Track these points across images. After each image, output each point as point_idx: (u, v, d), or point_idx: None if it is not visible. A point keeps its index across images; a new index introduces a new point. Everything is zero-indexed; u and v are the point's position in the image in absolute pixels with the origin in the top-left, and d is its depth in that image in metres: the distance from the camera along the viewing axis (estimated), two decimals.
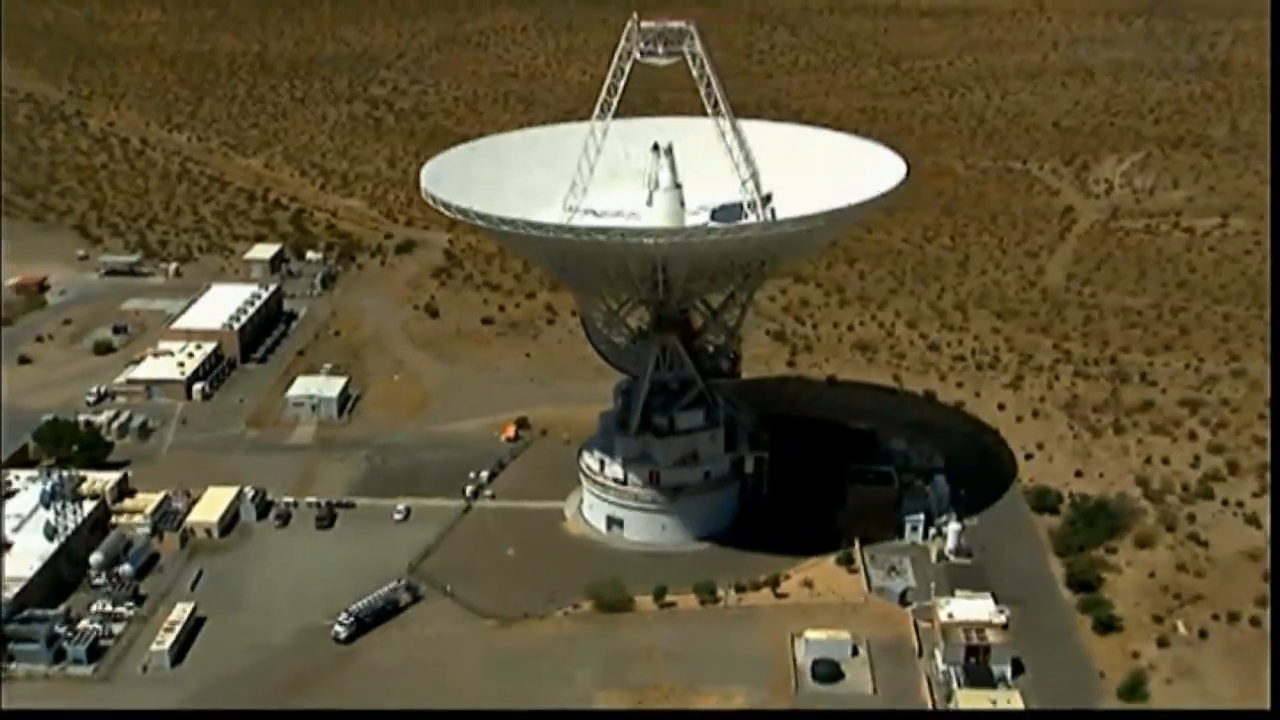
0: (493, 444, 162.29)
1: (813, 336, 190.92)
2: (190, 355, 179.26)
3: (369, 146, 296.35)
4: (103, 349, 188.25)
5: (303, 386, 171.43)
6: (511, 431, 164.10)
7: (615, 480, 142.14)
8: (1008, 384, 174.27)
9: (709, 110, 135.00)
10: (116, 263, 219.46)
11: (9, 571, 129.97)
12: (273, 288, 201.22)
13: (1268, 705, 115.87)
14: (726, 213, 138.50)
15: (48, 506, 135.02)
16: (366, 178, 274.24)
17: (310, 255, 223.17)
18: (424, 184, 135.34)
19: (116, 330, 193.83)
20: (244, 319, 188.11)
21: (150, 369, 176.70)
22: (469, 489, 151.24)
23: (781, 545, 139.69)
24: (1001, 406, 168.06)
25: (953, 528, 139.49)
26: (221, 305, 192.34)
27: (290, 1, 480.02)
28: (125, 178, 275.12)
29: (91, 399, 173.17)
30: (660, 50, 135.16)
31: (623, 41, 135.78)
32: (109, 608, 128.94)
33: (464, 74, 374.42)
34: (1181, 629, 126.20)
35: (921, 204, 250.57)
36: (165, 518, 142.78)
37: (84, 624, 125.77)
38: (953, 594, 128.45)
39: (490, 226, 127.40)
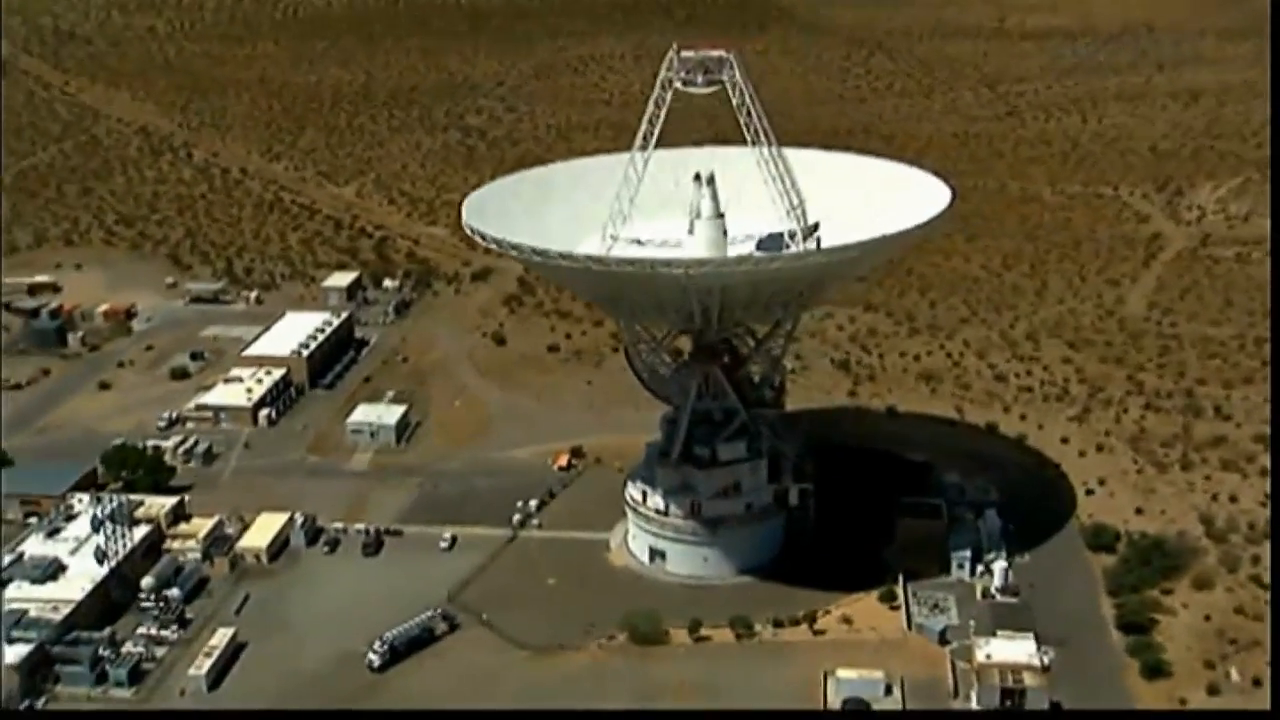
0: (546, 472, 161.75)
1: (877, 366, 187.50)
2: (259, 381, 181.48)
3: (458, 174, 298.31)
4: (179, 375, 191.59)
5: (362, 413, 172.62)
6: (564, 460, 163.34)
7: (657, 511, 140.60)
8: (1074, 417, 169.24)
9: (748, 139, 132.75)
10: (201, 290, 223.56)
11: (60, 594, 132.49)
12: (344, 315, 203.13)
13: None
14: (773, 242, 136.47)
15: (98, 530, 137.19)
16: (452, 205, 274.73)
17: (387, 283, 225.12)
18: (465, 213, 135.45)
19: (194, 356, 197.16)
20: (313, 346, 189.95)
21: (219, 395, 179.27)
22: (516, 518, 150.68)
23: (826, 579, 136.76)
24: (1065, 440, 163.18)
25: (999, 565, 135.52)
26: (293, 332, 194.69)
27: (398, 33, 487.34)
28: (221, 206, 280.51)
29: (162, 424, 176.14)
30: (700, 79, 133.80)
31: (663, 71, 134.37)
32: (154, 631, 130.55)
33: (559, 101, 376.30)
34: (1234, 675, 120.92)
35: (1004, 231, 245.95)
36: (216, 543, 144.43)
37: (128, 647, 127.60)
38: (994, 633, 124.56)
39: (523, 257, 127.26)
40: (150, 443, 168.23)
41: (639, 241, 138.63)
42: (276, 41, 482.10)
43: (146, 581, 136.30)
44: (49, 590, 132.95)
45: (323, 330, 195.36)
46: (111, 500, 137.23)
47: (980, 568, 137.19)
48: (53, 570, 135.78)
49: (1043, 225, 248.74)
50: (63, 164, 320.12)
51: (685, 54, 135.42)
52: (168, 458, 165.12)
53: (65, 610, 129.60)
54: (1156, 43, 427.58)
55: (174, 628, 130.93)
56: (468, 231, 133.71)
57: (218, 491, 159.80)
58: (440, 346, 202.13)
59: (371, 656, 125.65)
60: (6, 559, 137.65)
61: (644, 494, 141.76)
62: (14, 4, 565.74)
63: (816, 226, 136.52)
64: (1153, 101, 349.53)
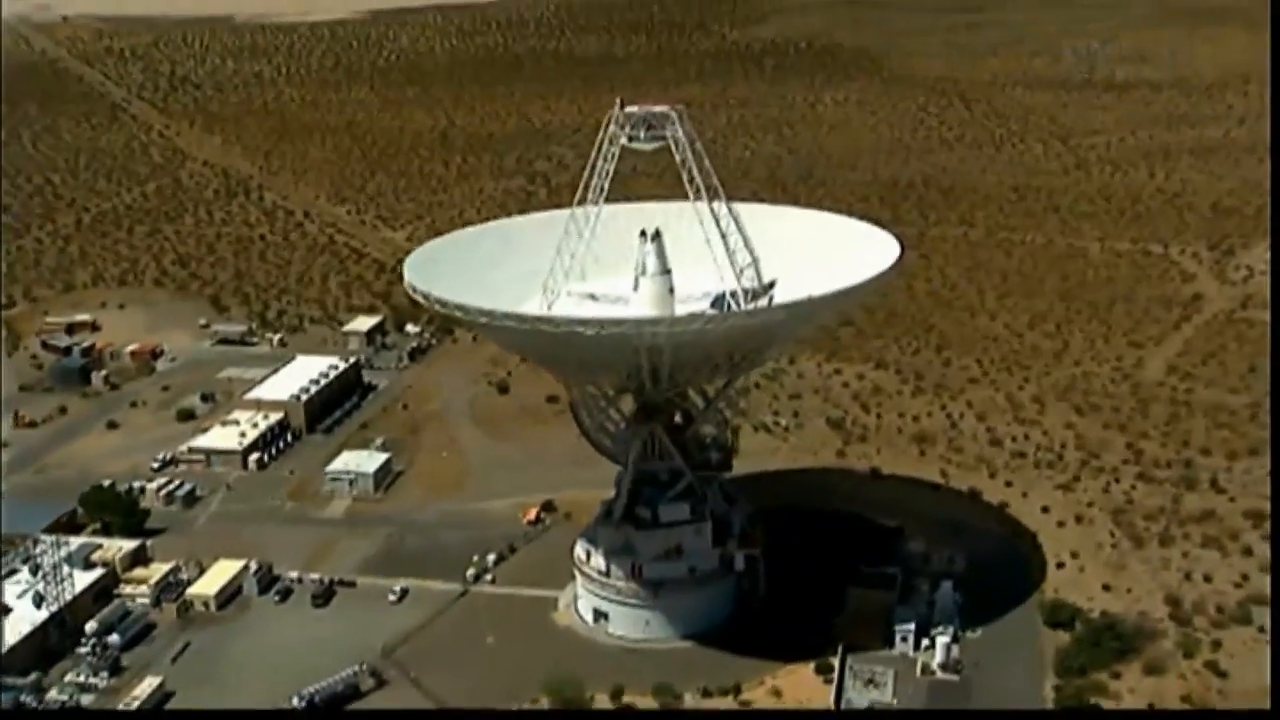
0: (514, 526, 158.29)
1: (872, 426, 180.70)
2: (254, 425, 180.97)
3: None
4: (185, 416, 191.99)
5: (342, 461, 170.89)
6: (533, 514, 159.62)
7: (599, 572, 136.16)
8: (1061, 485, 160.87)
9: (690, 196, 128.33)
10: (227, 332, 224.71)
11: None
12: (352, 360, 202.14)
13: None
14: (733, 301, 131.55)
15: (35, 574, 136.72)
16: None
17: (410, 328, 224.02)
18: (407, 270, 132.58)
19: (204, 398, 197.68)
20: (313, 391, 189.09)
21: (212, 438, 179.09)
22: (470, 572, 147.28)
23: (770, 648, 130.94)
24: (1045, 509, 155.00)
25: (941, 640, 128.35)
26: (299, 376, 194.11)
27: (489, 79, 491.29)
28: (275, 249, 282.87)
29: (156, 465, 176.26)
30: (643, 135, 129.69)
31: (610, 127, 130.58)
32: (84, 678, 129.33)
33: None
34: None
35: (1040, 288, 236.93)
36: (167, 589, 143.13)
37: (53, 694, 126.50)
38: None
39: (467, 318, 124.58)
40: (138, 484, 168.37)
41: (593, 296, 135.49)
42: (372, 87, 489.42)
43: (90, 626, 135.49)
44: None
45: (326, 375, 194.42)
46: (57, 544, 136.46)
47: (925, 642, 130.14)
48: None
49: (1082, 283, 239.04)
50: (141, 206, 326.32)
51: (629, 109, 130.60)
52: (150, 500, 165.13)
53: None
54: (1245, 95, 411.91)
55: (104, 675, 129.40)
56: (408, 291, 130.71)
57: (190, 536, 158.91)
58: (443, 394, 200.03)
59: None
60: None
61: (588, 553, 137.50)
62: (138, 50, 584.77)
63: (772, 285, 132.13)
64: (1226, 156, 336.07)
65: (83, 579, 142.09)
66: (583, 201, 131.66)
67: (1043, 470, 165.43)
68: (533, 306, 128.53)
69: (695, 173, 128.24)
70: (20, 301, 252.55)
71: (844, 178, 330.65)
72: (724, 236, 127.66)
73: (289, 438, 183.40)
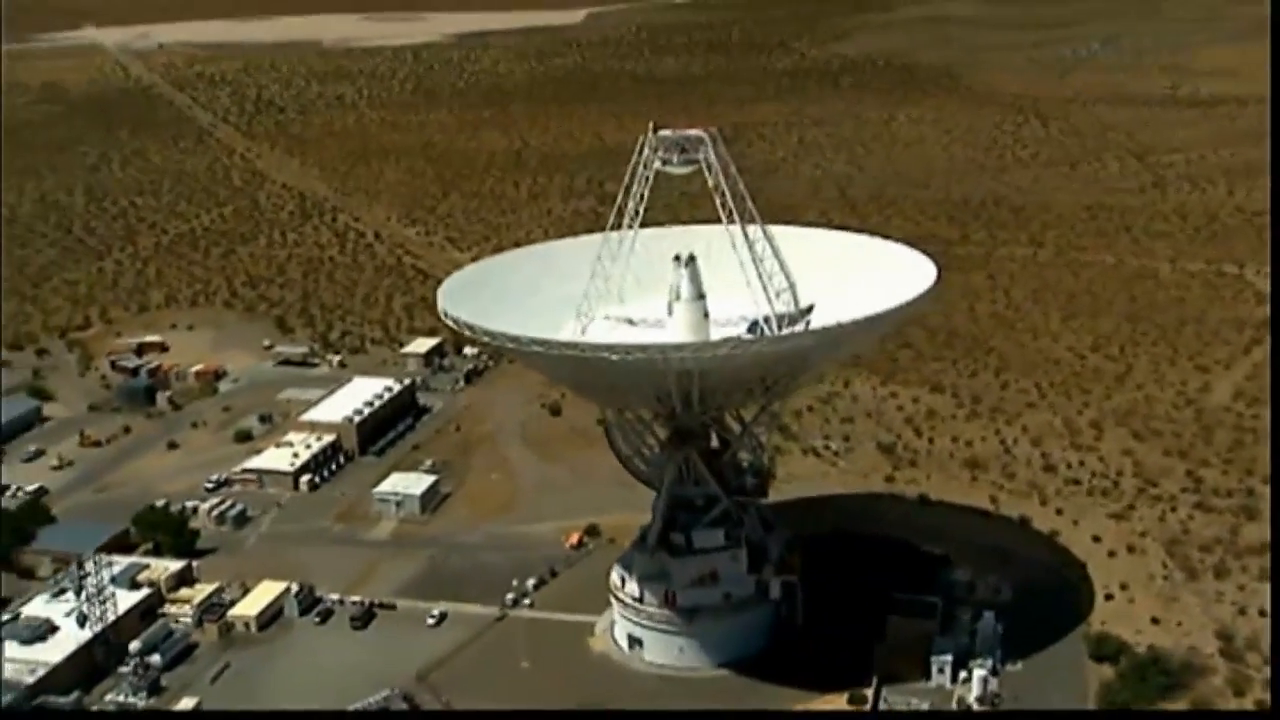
0: (557, 549, 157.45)
1: (924, 451, 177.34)
2: (307, 447, 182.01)
3: None
4: (242, 437, 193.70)
5: (390, 483, 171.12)
6: (575, 539, 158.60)
7: (633, 598, 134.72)
8: (1115, 513, 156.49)
9: (723, 220, 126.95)
10: (289, 353, 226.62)
11: (42, 656, 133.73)
12: (407, 382, 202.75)
13: None
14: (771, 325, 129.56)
15: (77, 595, 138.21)
16: None
17: (468, 350, 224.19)
18: (441, 295, 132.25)
19: (262, 419, 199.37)
20: (366, 413, 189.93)
21: (265, 459, 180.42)
22: (510, 596, 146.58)
23: (806, 677, 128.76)
24: (1097, 538, 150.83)
25: (978, 673, 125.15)
26: (353, 398, 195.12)
27: (564, 99, 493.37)
28: (344, 270, 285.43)
29: (210, 486, 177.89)
30: (675, 159, 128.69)
31: (644, 151, 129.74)
32: (123, 698, 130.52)
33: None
34: None
35: (1108, 310, 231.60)
36: (210, 609, 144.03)
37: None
38: None
39: (495, 344, 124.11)
40: (191, 504, 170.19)
41: (630, 321, 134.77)
42: (450, 109, 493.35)
43: (134, 646, 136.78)
44: (34, 652, 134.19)
45: (381, 397, 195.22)
46: (99, 565, 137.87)
47: (963, 674, 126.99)
48: (42, 632, 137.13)
49: (1151, 305, 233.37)
50: (218, 228, 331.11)
51: (663, 133, 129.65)
52: (202, 520, 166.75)
53: (41, 672, 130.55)
54: None
55: (143, 694, 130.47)
56: (442, 318, 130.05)
57: (239, 557, 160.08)
58: (496, 415, 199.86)
59: None
60: (5, 617, 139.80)
61: (622, 579, 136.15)
62: (228, 75, 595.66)
63: (809, 309, 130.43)
64: None
65: (128, 599, 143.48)
66: (617, 226, 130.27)
67: (1097, 498, 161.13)
68: (568, 331, 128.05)
69: (728, 196, 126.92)
70: (96, 323, 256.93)
71: (915, 196, 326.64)
72: (756, 261, 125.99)
73: (341, 459, 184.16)
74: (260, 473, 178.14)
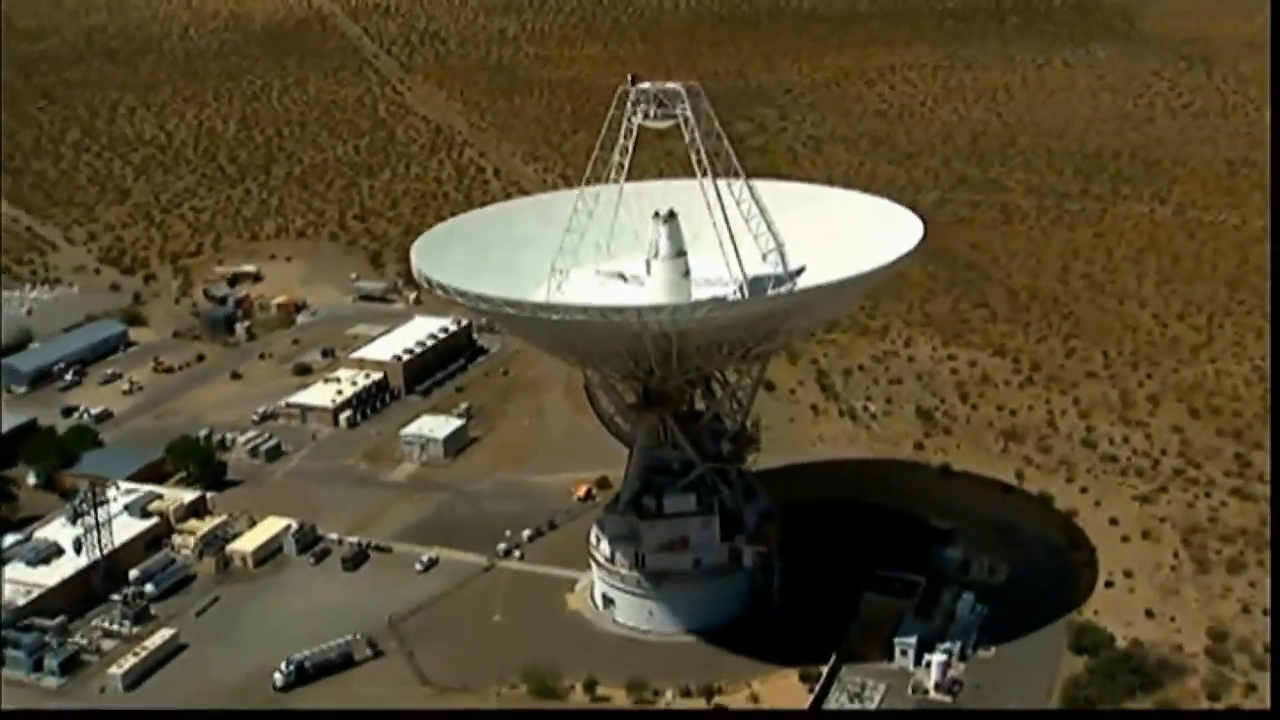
0: (566, 501, 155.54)
1: (963, 418, 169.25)
2: (353, 384, 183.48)
3: None
4: (301, 371, 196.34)
5: (417, 425, 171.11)
6: (583, 490, 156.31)
7: (605, 558, 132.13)
8: (1142, 495, 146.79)
9: (698, 175, 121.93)
10: (369, 288, 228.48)
11: (40, 579, 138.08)
12: (464, 322, 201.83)
13: None
14: (759, 285, 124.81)
15: (74, 522, 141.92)
16: None
17: None
18: (414, 256, 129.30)
19: (324, 354, 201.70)
20: (417, 352, 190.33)
21: (310, 394, 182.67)
22: (501, 547, 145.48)
23: (772, 650, 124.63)
24: (1114, 521, 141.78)
25: (937, 658, 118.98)
26: (409, 336, 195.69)
27: (719, 37, 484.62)
28: (454, 206, 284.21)
29: (256, 418, 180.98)
30: (654, 113, 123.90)
31: (628, 105, 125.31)
32: (111, 624, 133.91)
33: (835, 111, 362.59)
34: None
35: (1211, 275, 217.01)
36: (211, 543, 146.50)
37: (76, 638, 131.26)
38: None
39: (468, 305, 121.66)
40: (230, 436, 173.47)
41: (622, 276, 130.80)
42: (605, 44, 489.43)
43: (132, 574, 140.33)
44: (35, 574, 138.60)
45: (435, 337, 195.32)
46: (93, 492, 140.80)
47: (928, 657, 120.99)
48: (47, 555, 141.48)
49: (1259, 271, 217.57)
50: (349, 159, 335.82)
51: (641, 86, 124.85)
52: (237, 453, 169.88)
53: (32, 595, 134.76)
54: None
55: (129, 622, 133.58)
56: (416, 277, 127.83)
57: (261, 490, 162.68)
58: (546, 361, 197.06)
59: (276, 676, 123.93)
60: (9, 540, 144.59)
61: (598, 539, 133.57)
62: (400, 6, 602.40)
63: (799, 271, 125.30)
64: None
65: (135, 527, 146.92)
66: (594, 180, 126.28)
67: (1129, 478, 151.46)
68: (542, 292, 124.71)
69: (703, 154, 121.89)
70: (207, 250, 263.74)
71: (1047, 146, 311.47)
72: (733, 220, 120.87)
73: (386, 398, 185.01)
74: (303, 408, 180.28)
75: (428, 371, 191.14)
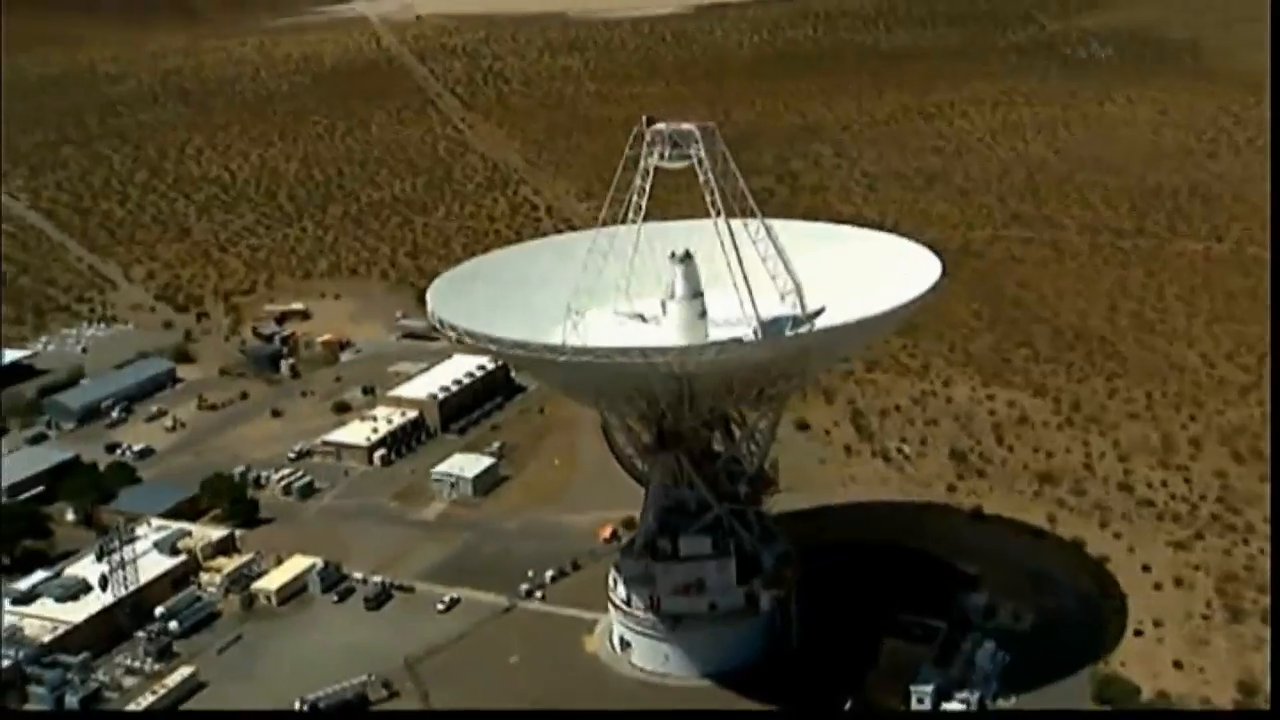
0: (590, 541, 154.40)
1: (998, 460, 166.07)
2: (389, 422, 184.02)
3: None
4: (341, 409, 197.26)
5: (449, 464, 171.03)
6: (608, 532, 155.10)
7: (622, 600, 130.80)
8: (1177, 541, 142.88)
9: (713, 216, 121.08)
10: (413, 326, 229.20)
11: (65, 615, 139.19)
12: (501, 361, 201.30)
13: None
14: (774, 326, 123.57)
15: (100, 559, 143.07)
16: None
17: None
18: (430, 297, 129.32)
19: (364, 391, 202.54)
20: (453, 390, 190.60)
21: (344, 433, 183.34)
22: (523, 587, 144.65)
23: (788, 697, 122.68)
24: (1147, 568, 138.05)
25: (954, 706, 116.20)
26: (447, 374, 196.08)
27: (778, 73, 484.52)
28: (504, 243, 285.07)
29: (293, 455, 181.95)
30: (669, 153, 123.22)
31: (643, 146, 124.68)
32: (133, 661, 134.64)
33: (893, 147, 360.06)
34: None
35: (1263, 315, 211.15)
36: (237, 580, 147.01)
37: (99, 675, 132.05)
38: None
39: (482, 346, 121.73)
40: (264, 473, 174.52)
41: (641, 317, 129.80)
42: (668, 83, 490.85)
43: (158, 611, 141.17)
44: (62, 610, 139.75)
45: (472, 375, 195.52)
46: (120, 530, 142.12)
47: (945, 706, 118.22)
48: (75, 591, 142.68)
49: None
50: (406, 197, 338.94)
51: (656, 127, 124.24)
52: (271, 490, 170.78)
53: (58, 631, 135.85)
54: None
55: (150, 660, 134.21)
56: (431, 322, 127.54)
57: (291, 528, 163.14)
58: None
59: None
60: (40, 576, 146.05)
61: (615, 581, 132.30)
62: (468, 46, 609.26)
63: (818, 313, 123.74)
64: None
65: (163, 564, 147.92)
66: (611, 221, 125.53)
67: (1165, 523, 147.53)
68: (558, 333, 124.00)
69: (717, 194, 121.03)
70: (260, 288, 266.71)
71: (1105, 183, 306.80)
72: (741, 262, 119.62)
73: (422, 436, 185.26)
74: (338, 446, 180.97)
75: (464, 410, 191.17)
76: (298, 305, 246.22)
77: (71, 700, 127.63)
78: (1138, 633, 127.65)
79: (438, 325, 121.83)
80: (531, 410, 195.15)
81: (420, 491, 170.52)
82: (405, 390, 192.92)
